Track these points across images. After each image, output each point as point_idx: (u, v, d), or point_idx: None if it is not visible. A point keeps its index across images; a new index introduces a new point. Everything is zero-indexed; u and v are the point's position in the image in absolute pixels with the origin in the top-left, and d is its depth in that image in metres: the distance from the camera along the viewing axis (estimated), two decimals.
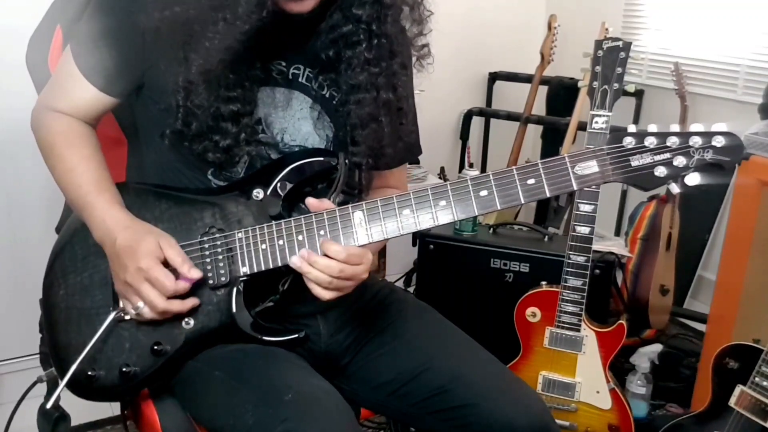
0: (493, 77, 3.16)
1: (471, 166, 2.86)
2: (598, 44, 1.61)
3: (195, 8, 1.00)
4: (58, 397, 1.06)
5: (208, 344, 1.09)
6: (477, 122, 3.16)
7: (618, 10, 2.91)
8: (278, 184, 1.07)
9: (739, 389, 1.54)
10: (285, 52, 1.12)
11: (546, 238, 2.09)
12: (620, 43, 1.59)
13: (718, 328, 1.88)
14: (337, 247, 0.99)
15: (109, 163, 1.14)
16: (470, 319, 1.53)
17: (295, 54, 1.12)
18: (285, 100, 1.13)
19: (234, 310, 1.06)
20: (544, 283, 1.79)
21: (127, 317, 1.07)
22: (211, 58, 1.00)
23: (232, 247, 1.06)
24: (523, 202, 0.97)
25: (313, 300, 1.01)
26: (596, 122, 1.61)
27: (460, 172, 3.00)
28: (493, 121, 3.13)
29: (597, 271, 1.92)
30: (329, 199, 1.05)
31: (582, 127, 2.42)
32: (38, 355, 1.39)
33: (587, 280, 1.68)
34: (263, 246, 1.04)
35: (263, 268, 1.05)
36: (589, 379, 1.74)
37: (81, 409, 1.27)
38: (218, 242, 1.06)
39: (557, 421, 1.44)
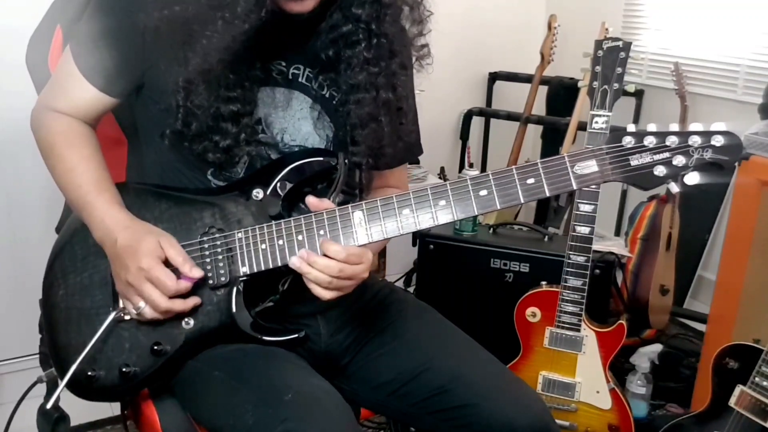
0: (493, 77, 3.16)
1: (471, 166, 2.86)
2: (598, 44, 1.61)
3: (195, 8, 1.00)
4: (58, 398, 1.06)
5: (208, 344, 1.09)
6: (477, 122, 3.16)
7: (618, 10, 2.91)
8: (278, 184, 1.07)
9: (739, 389, 1.54)
10: (285, 52, 1.12)
11: (546, 238, 2.09)
12: (620, 43, 1.59)
13: (718, 328, 1.88)
14: (336, 247, 0.99)
15: (109, 163, 1.14)
16: (470, 319, 1.53)
17: (295, 54, 1.12)
18: (285, 100, 1.13)
19: (234, 310, 1.06)
20: (544, 283, 1.79)
21: (128, 317, 1.07)
22: (210, 58, 1.00)
23: (232, 247, 1.06)
24: (522, 201, 0.97)
25: (313, 300, 1.02)
26: (596, 122, 1.61)
27: (460, 172, 3.00)
28: (493, 121, 3.13)
29: (597, 271, 1.92)
30: (329, 198, 1.05)
31: (582, 127, 2.42)
32: (38, 356, 1.39)
33: (587, 280, 1.68)
34: (263, 246, 1.04)
35: (263, 268, 1.05)
36: (589, 379, 1.74)
37: (81, 409, 1.27)
38: (218, 242, 1.06)
39: (557, 421, 1.44)
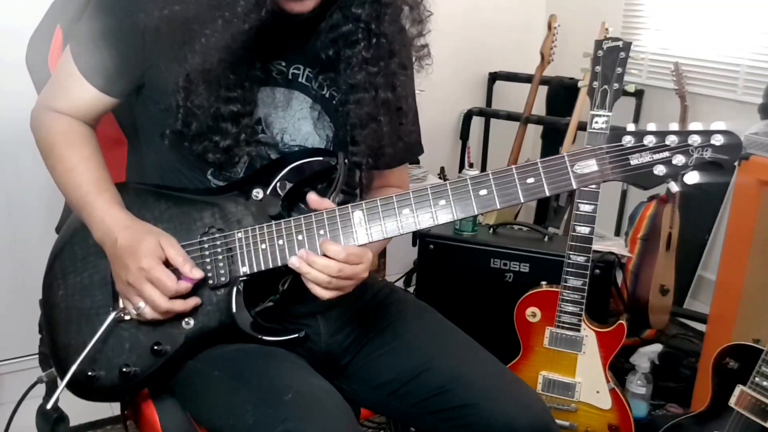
0: (493, 77, 3.16)
1: (471, 166, 2.86)
2: (598, 44, 1.61)
3: (195, 8, 1.00)
4: (58, 398, 1.06)
5: (208, 344, 1.09)
6: (477, 122, 3.16)
7: (618, 10, 2.91)
8: (278, 184, 1.07)
9: (739, 389, 1.54)
10: (285, 52, 1.12)
11: (546, 238, 2.09)
12: (620, 43, 1.59)
13: (718, 328, 1.88)
14: (336, 247, 0.99)
15: (109, 163, 1.14)
16: (470, 319, 1.53)
17: (295, 54, 1.12)
18: (285, 100, 1.13)
19: (234, 309, 1.06)
20: (544, 283, 1.79)
21: (128, 317, 1.07)
22: (211, 58, 1.00)
23: (232, 247, 1.06)
24: (522, 201, 0.97)
25: (313, 300, 1.02)
26: (596, 122, 1.61)
27: (460, 172, 3.00)
28: (493, 121, 3.13)
29: (597, 271, 1.92)
30: (329, 198, 1.05)
31: (582, 127, 2.42)
32: (38, 356, 1.39)
33: (587, 280, 1.68)
34: (263, 246, 1.04)
35: (263, 268, 1.05)
36: (589, 379, 1.74)
37: (81, 409, 1.27)
38: (218, 242, 1.06)
39: (557, 421, 1.44)
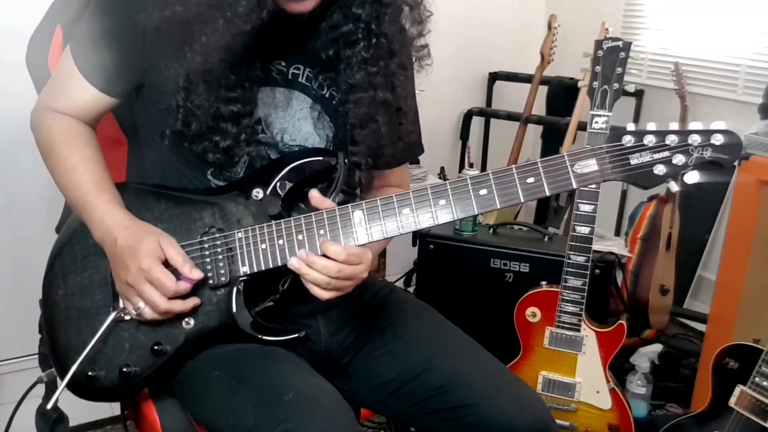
0: (493, 77, 3.16)
1: (471, 166, 2.86)
2: (598, 44, 1.61)
3: (195, 8, 1.00)
4: (57, 398, 1.06)
5: (208, 344, 1.09)
6: (477, 122, 3.16)
7: (618, 10, 2.91)
8: (278, 184, 1.07)
9: (739, 389, 1.54)
10: (285, 52, 1.12)
11: (546, 238, 2.09)
12: (620, 43, 1.59)
13: (718, 328, 1.88)
14: (336, 247, 0.99)
15: (109, 163, 1.14)
16: (470, 319, 1.53)
17: (295, 54, 1.12)
18: (285, 100, 1.13)
19: (234, 309, 1.06)
20: (544, 283, 1.79)
21: (128, 317, 1.07)
22: (211, 58, 1.00)
23: (232, 246, 1.06)
24: (522, 200, 0.97)
25: (313, 300, 1.01)
26: (596, 122, 1.61)
27: (460, 172, 3.00)
28: (493, 121, 3.13)
29: (597, 271, 1.92)
30: (329, 198, 1.05)
31: (582, 127, 2.42)
32: (38, 356, 1.39)
33: (587, 280, 1.68)
34: (263, 246, 1.04)
35: (263, 268, 1.05)
36: (589, 379, 1.74)
37: (81, 409, 1.27)
38: (218, 242, 1.06)
39: (557, 421, 1.44)
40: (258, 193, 1.07)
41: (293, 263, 1.01)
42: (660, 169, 0.92)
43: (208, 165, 1.10)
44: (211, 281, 1.06)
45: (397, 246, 2.46)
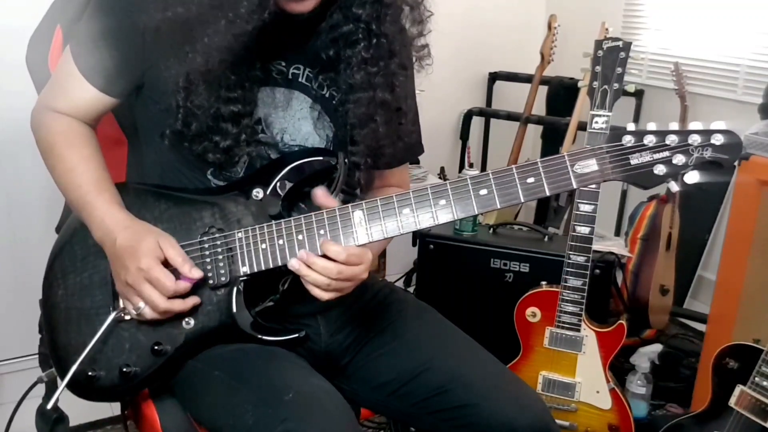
0: (493, 77, 3.16)
1: (471, 166, 2.86)
2: (598, 44, 1.61)
3: (196, 9, 1.00)
4: (57, 398, 1.06)
5: (208, 344, 1.09)
6: (477, 122, 3.16)
7: (618, 10, 2.91)
8: (278, 184, 1.07)
9: (739, 389, 1.54)
10: (285, 52, 1.11)
11: (546, 238, 2.09)
12: (620, 43, 1.59)
13: (718, 328, 1.88)
14: (336, 247, 0.99)
15: (109, 163, 1.14)
16: (470, 319, 1.53)
17: (295, 54, 1.12)
18: (285, 100, 1.13)
19: (234, 309, 1.06)
20: (544, 283, 1.79)
21: (128, 317, 1.07)
22: (211, 59, 1.00)
23: (232, 246, 1.06)
24: (522, 200, 0.97)
25: (313, 300, 1.01)
26: (596, 122, 1.61)
27: (460, 172, 3.00)
28: (493, 121, 3.13)
29: (597, 271, 1.92)
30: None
31: (582, 127, 2.42)
32: (38, 356, 1.39)
33: (587, 280, 1.68)
34: (263, 246, 1.04)
35: (263, 268, 1.05)
36: (589, 379, 1.74)
37: (81, 409, 1.27)
38: (218, 242, 1.06)
39: (557, 421, 1.44)
40: (258, 193, 1.07)
41: (293, 264, 1.01)
42: (660, 169, 0.92)
43: (208, 165, 1.10)
44: (211, 281, 1.06)
45: (397, 246, 2.46)
